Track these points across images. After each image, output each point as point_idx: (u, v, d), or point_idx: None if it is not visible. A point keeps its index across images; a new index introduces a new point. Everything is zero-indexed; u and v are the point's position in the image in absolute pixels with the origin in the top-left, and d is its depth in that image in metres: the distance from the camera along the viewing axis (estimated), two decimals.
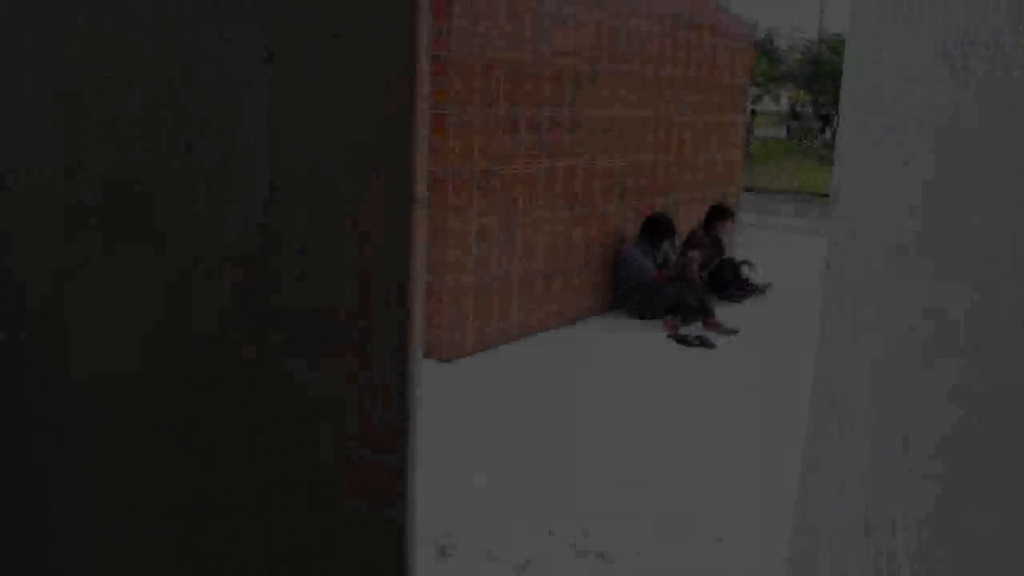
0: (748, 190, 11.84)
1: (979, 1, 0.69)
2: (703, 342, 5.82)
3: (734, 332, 6.03)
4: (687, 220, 7.27)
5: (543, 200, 5.79)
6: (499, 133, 5.37)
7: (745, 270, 7.09)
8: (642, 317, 6.26)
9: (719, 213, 7.12)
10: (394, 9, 0.25)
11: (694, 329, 6.03)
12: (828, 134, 28.46)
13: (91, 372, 0.24)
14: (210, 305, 0.25)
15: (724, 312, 6.38)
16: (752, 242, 9.08)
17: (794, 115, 32.06)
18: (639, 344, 5.78)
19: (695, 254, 6.36)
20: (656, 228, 6.38)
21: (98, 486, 0.24)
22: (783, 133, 31.98)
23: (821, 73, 26.86)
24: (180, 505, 0.25)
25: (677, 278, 6.16)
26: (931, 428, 0.74)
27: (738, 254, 7.39)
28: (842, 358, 0.90)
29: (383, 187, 0.25)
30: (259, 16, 0.24)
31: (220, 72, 0.24)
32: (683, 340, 5.84)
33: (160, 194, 0.24)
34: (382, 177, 0.25)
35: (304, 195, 0.25)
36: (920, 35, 0.76)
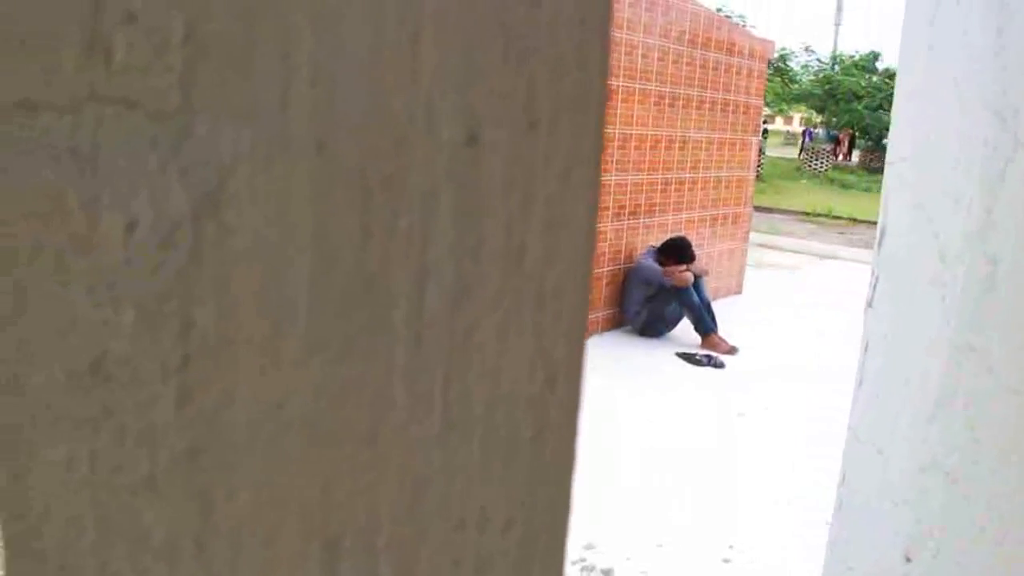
0: (757, 208, 11.85)
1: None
2: (712, 361, 5.83)
3: (732, 351, 6.04)
4: (698, 238, 7.28)
5: None
6: None
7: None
8: (646, 333, 6.27)
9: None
10: (585, 98, 0.28)
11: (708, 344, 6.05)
12: (839, 156, 28.44)
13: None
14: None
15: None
16: (767, 262, 9.10)
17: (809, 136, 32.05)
18: (646, 361, 5.79)
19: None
20: (675, 251, 6.34)
21: None
22: (793, 153, 31.96)
23: (834, 95, 26.88)
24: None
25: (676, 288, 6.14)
26: (974, 459, 0.76)
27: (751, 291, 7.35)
28: (881, 392, 0.92)
29: (567, 250, 0.28)
30: (463, 101, 0.27)
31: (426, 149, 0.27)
32: (691, 358, 5.85)
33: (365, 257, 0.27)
34: (567, 243, 0.28)
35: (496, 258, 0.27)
36: (969, 87, 0.79)
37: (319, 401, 0.27)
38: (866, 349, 0.98)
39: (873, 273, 0.97)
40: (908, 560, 0.82)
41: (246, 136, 0.26)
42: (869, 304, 0.97)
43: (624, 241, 6.57)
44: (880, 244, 0.93)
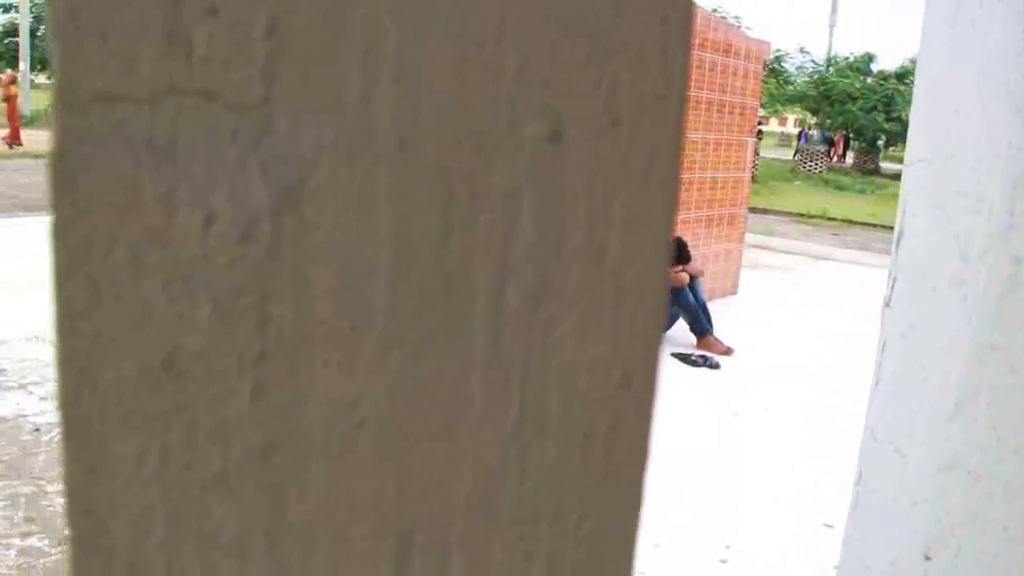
0: (752, 210, 11.89)
1: None
2: (707, 361, 5.84)
3: (728, 352, 6.05)
4: (693, 239, 7.30)
5: None
6: None
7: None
8: None
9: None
10: (667, 97, 0.28)
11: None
12: (833, 158, 28.50)
13: None
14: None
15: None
16: (762, 263, 9.13)
17: (803, 137, 32.10)
18: None
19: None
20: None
21: None
22: (788, 154, 32.04)
23: (828, 96, 26.93)
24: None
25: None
26: (997, 458, 0.77)
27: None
28: (899, 392, 0.92)
29: (646, 248, 0.28)
30: (546, 98, 0.27)
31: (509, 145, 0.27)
32: (687, 359, 5.86)
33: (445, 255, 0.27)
34: (646, 241, 0.28)
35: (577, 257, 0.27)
36: (992, 88, 0.79)
37: (395, 398, 0.27)
38: (883, 349, 0.98)
39: (891, 273, 0.97)
40: (928, 558, 0.82)
41: (328, 131, 0.26)
42: (887, 304, 0.98)
43: None
44: (898, 244, 0.94)
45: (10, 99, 17.09)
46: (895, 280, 0.94)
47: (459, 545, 0.28)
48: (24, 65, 23.53)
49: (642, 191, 0.27)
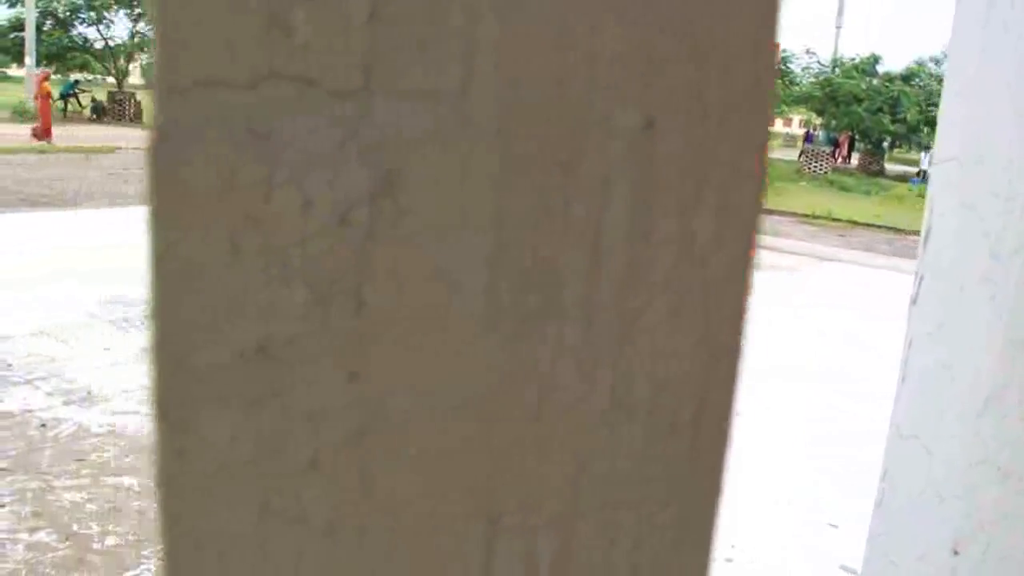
0: None
1: None
2: None
3: None
4: None
5: None
6: None
7: None
8: None
9: None
10: (756, 91, 0.28)
11: None
12: (838, 159, 28.45)
13: None
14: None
15: None
16: (767, 264, 9.15)
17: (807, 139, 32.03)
18: None
19: None
20: None
21: None
22: (793, 155, 31.99)
23: (834, 97, 26.87)
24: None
25: None
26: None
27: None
28: (927, 388, 0.92)
29: (734, 236, 0.29)
30: (641, 88, 0.27)
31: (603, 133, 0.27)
32: None
33: (537, 243, 0.27)
34: (734, 229, 0.28)
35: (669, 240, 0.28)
36: (1022, 85, 0.79)
37: (488, 381, 0.28)
38: (910, 346, 0.99)
39: (918, 272, 0.97)
40: (956, 553, 0.82)
41: (427, 117, 0.26)
42: (914, 302, 0.98)
43: None
44: (926, 243, 0.94)
45: (44, 96, 17.24)
46: (922, 278, 0.95)
47: (546, 529, 0.29)
48: (30, 60, 23.55)
49: (731, 180, 0.27)
